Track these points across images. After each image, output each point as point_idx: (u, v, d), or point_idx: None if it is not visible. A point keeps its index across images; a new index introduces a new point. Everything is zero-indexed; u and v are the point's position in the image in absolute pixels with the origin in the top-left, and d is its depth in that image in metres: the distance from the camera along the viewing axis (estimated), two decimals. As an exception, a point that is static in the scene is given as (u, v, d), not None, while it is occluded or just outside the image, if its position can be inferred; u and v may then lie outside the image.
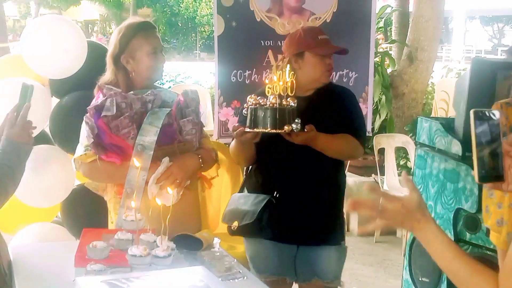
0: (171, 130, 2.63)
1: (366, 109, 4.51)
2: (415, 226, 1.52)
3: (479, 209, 3.08)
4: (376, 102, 6.62)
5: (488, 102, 3.46)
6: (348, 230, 6.01)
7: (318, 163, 2.87)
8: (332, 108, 2.89)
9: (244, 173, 3.10)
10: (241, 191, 3.04)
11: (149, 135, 2.54)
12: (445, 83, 7.51)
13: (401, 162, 6.41)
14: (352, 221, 5.99)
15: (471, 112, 1.61)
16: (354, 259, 5.27)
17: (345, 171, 6.01)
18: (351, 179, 6.08)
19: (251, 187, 2.98)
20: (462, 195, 3.30)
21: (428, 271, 3.58)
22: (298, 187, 2.89)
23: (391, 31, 8.19)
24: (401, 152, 6.47)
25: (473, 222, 3.23)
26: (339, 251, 3.02)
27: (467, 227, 3.28)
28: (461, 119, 3.41)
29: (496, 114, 1.61)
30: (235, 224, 2.88)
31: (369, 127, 4.63)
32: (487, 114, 1.62)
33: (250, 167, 3.02)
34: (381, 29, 8.11)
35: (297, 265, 2.98)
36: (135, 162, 2.44)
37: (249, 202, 2.88)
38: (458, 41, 25.99)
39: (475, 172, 1.60)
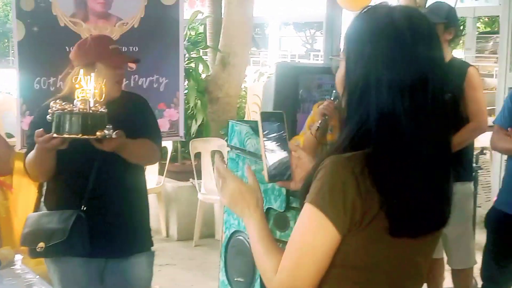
0: None
1: (178, 114, 4.52)
2: (245, 212, 1.58)
3: (288, 208, 3.20)
4: (192, 107, 6.66)
5: (293, 104, 3.62)
6: (167, 235, 6.00)
7: (123, 170, 2.81)
8: (129, 115, 2.85)
9: (38, 190, 2.92)
10: (36, 209, 2.88)
11: None
12: (257, 87, 7.74)
13: (218, 165, 6.49)
14: (172, 226, 5.99)
15: (258, 114, 1.66)
16: (174, 264, 5.27)
17: (144, 176, 5.99)
18: (169, 185, 6.08)
19: (53, 204, 2.83)
20: (271, 195, 3.40)
21: (243, 271, 3.65)
22: (105, 197, 2.82)
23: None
24: (218, 156, 6.55)
25: (282, 220, 3.34)
26: (148, 258, 2.99)
27: (277, 226, 3.39)
28: (268, 121, 3.51)
29: (281, 115, 1.66)
30: (42, 245, 2.74)
31: (181, 132, 4.65)
32: (274, 116, 1.67)
33: (47, 183, 2.87)
34: (201, 34, 8.19)
35: (106, 279, 2.90)
36: None
37: (54, 220, 2.74)
38: (274, 46, 27.00)
39: (265, 172, 1.64)
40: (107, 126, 2.50)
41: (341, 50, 1.54)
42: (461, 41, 28.15)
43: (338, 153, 1.43)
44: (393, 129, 1.40)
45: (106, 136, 2.49)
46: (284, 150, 1.64)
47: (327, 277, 1.44)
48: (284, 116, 1.66)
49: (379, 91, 1.41)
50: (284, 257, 1.46)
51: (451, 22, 3.70)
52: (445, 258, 3.93)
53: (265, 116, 1.64)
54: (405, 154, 1.41)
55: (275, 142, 1.63)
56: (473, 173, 4.14)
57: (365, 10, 1.50)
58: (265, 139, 1.62)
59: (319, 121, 2.81)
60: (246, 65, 7.40)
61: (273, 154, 1.62)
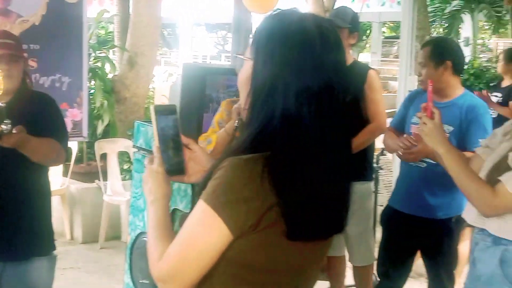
0: None
1: (82, 114, 4.43)
2: (153, 194, 1.58)
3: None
4: (99, 107, 6.54)
5: (200, 104, 3.62)
6: (72, 238, 5.87)
7: (24, 169, 2.73)
8: (34, 112, 2.77)
9: None
10: None
11: None
12: (165, 88, 7.70)
13: (125, 167, 6.42)
14: (76, 228, 5.86)
15: (152, 108, 1.63)
16: (78, 268, 5.16)
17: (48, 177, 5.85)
18: (74, 186, 5.94)
19: None
20: (177, 195, 3.39)
21: (148, 273, 3.61)
22: (3, 197, 2.73)
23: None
24: (124, 157, 6.48)
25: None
26: (49, 262, 2.91)
27: (182, 226, 3.38)
28: (175, 121, 3.50)
29: (174, 108, 1.64)
30: None
31: (85, 133, 4.55)
32: (168, 109, 1.65)
33: None
34: (111, 33, 8.06)
35: (4, 283, 2.80)
36: None
37: None
38: (185, 47, 26.86)
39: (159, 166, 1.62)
40: (5, 121, 2.41)
41: (248, 49, 1.53)
42: (367, 45, 28.98)
43: (238, 154, 1.43)
44: (297, 132, 1.41)
45: (4, 131, 2.40)
46: (178, 144, 1.63)
47: (222, 276, 1.44)
48: (177, 109, 1.64)
49: (286, 95, 1.42)
50: (171, 245, 1.45)
51: (355, 27, 3.82)
52: (347, 256, 4.04)
53: (159, 110, 1.62)
54: (307, 158, 1.42)
55: (169, 136, 1.61)
56: (374, 173, 4.28)
57: (276, 13, 1.51)
58: (159, 133, 1.60)
59: (237, 121, 2.80)
60: (154, 65, 7.34)
61: (167, 148, 1.61)
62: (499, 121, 3.79)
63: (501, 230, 2.30)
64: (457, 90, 3.34)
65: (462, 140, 3.21)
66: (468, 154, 2.82)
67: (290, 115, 1.42)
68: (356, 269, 3.95)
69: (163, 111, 1.62)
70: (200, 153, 1.68)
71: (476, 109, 3.27)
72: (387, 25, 30.27)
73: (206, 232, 1.40)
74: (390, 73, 19.90)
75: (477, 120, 3.23)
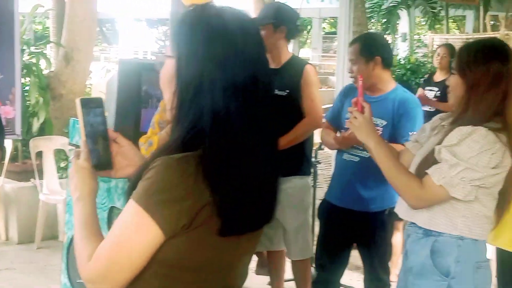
0: None
1: (15, 111, 4.32)
2: (79, 192, 1.53)
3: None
4: (34, 104, 6.39)
5: (137, 100, 3.58)
6: (7, 238, 5.72)
7: None
8: None
9: None
10: None
11: None
12: (102, 84, 7.57)
13: (62, 165, 6.29)
14: (11, 229, 5.72)
15: (77, 101, 1.58)
16: (14, 268, 5.03)
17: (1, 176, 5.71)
18: (9, 186, 5.79)
19: None
20: (114, 193, 3.35)
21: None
22: None
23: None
24: (61, 155, 6.35)
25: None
26: None
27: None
28: (112, 118, 3.45)
29: (100, 101, 1.60)
30: None
31: (18, 130, 4.44)
32: (94, 102, 1.60)
33: None
34: (48, 29, 7.89)
35: None
36: None
37: None
38: (125, 43, 26.55)
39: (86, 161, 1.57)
40: None
41: (168, 47, 1.51)
42: (308, 41, 29.24)
43: (169, 153, 1.41)
44: (226, 129, 1.40)
45: None
46: (105, 138, 1.59)
47: (153, 276, 1.42)
48: (103, 102, 1.60)
49: (213, 91, 1.40)
50: (101, 245, 1.42)
51: (280, 20, 3.74)
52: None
53: (85, 103, 1.57)
54: (238, 154, 1.42)
55: (96, 129, 1.57)
56: (312, 168, 4.31)
57: (193, 8, 1.48)
58: (85, 126, 1.56)
59: None
60: (90, 61, 7.22)
61: (94, 142, 1.57)
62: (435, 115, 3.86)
63: (430, 222, 2.35)
64: (389, 85, 3.41)
65: (394, 134, 3.28)
66: (398, 147, 2.88)
67: (218, 111, 1.41)
68: (294, 263, 3.98)
69: (89, 104, 1.57)
70: (127, 147, 1.64)
71: (407, 103, 3.34)
72: (327, 21, 30.61)
73: (138, 233, 1.38)
74: (331, 68, 20.15)
75: (408, 113, 3.30)
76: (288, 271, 4.25)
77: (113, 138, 1.62)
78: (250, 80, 1.44)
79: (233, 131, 1.42)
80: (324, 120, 3.65)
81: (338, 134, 3.35)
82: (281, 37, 3.76)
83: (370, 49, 3.35)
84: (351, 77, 3.45)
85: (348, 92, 3.50)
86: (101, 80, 9.02)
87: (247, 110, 1.43)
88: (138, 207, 1.37)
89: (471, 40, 2.55)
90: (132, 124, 3.45)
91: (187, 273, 1.44)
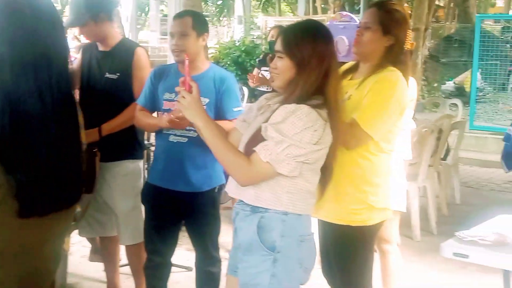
0: None
1: None
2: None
3: None
4: None
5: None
6: None
7: None
8: None
9: None
10: None
11: None
12: None
13: None
14: None
15: None
16: None
17: None
18: None
19: None
20: None
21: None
22: None
23: None
24: None
25: None
26: None
27: None
28: None
29: None
30: None
31: None
32: None
33: None
34: None
35: None
36: None
37: None
38: None
39: None
40: None
41: None
42: (146, 23, 28.80)
43: None
44: (20, 109, 1.36)
45: None
46: None
47: None
48: None
49: (1, 69, 1.36)
50: None
51: (95, 12, 3.58)
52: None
53: None
54: (34, 134, 1.38)
55: None
56: (144, 151, 4.25)
57: None
58: None
59: None
60: None
61: None
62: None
63: (257, 199, 2.40)
64: (206, 63, 3.44)
65: (218, 111, 3.32)
66: (226, 123, 2.95)
67: (9, 91, 1.36)
68: (128, 248, 3.91)
69: None
70: None
71: (228, 80, 3.40)
72: (165, 3, 30.37)
73: None
74: (166, 51, 20.00)
75: (229, 90, 3.37)
76: (123, 257, 4.17)
77: None
78: (42, 58, 1.41)
79: (26, 111, 1.38)
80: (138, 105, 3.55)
81: (164, 115, 3.28)
82: (104, 23, 3.64)
83: (203, 25, 3.37)
84: (174, 51, 3.36)
85: (161, 73, 3.44)
86: None
87: (40, 90, 1.40)
88: None
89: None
90: None
91: None
